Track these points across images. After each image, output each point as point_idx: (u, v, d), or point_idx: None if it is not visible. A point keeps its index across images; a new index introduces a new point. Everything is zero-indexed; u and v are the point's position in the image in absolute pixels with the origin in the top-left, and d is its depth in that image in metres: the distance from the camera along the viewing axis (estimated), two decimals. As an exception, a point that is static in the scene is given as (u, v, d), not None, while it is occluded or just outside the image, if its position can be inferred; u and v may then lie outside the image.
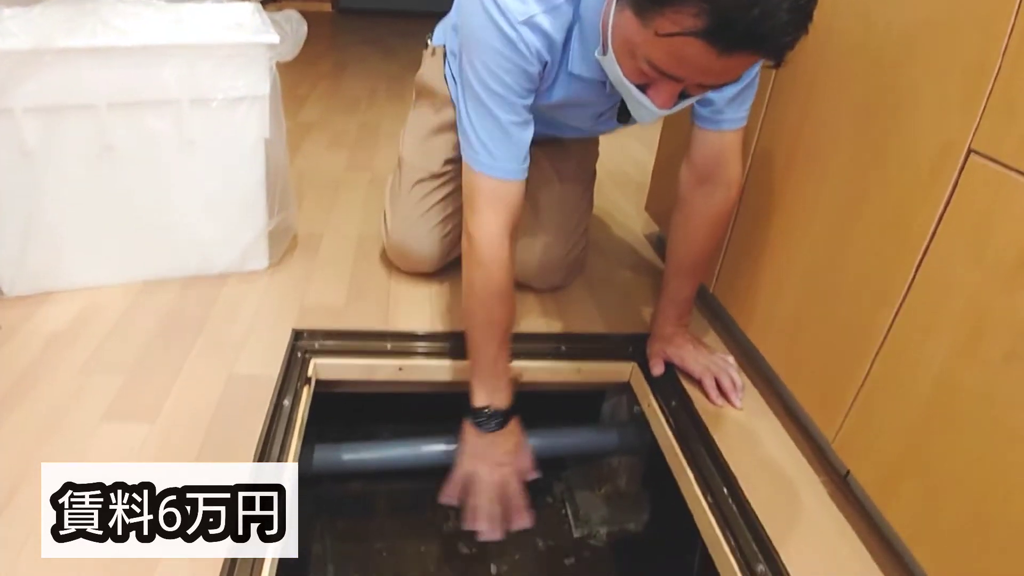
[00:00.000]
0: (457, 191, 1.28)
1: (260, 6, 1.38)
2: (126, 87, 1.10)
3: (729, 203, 1.04)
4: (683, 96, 0.78)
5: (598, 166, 1.39)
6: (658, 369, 1.12)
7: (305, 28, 1.23)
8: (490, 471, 1.01)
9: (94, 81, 1.08)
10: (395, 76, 3.03)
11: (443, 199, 1.27)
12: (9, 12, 1.18)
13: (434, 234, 1.28)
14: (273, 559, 0.79)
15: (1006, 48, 0.65)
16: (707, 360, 1.10)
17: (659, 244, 1.59)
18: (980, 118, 0.68)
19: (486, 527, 0.99)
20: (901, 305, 0.78)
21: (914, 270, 0.76)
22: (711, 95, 0.94)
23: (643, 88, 0.77)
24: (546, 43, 0.87)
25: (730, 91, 0.93)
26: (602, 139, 1.37)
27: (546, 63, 0.89)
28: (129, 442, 0.90)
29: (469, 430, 1.03)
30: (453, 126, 1.21)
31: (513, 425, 1.03)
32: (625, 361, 1.17)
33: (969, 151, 0.69)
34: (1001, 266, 0.65)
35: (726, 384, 1.07)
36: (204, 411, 0.97)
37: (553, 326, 1.24)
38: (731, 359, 1.11)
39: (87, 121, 1.10)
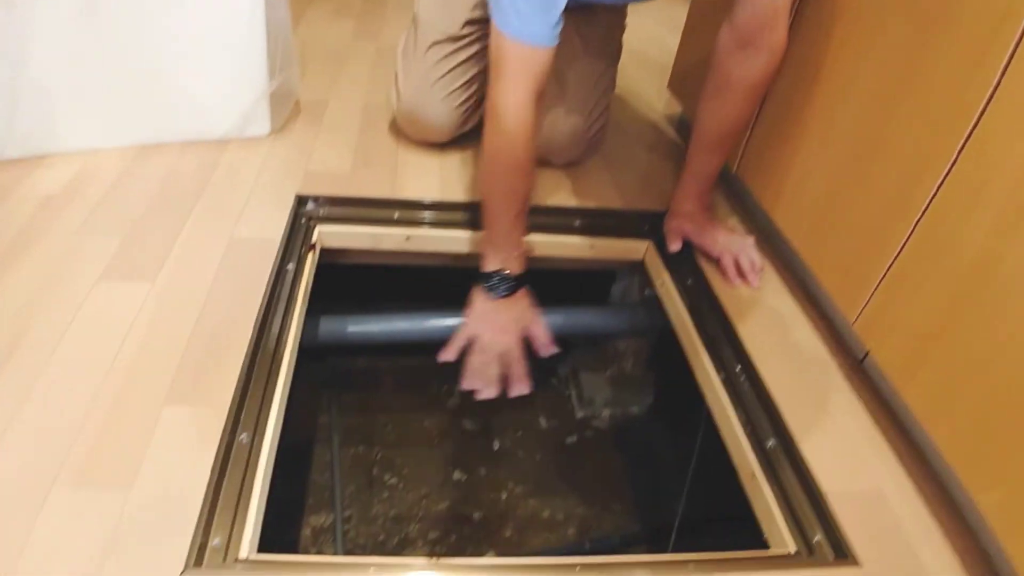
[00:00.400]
0: (477, 56, 1.21)
1: None
2: None
3: (770, 70, 0.96)
4: None
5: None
6: (675, 245, 1.08)
7: None
8: (493, 334, 0.98)
9: None
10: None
11: (461, 64, 1.19)
12: None
13: (449, 102, 1.20)
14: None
15: None
16: (727, 239, 1.06)
17: (680, 125, 1.52)
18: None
19: (481, 386, 0.97)
20: (946, 177, 0.73)
21: (963, 140, 0.70)
22: None
23: None
24: None
25: None
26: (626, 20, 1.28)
27: None
28: (128, 301, 0.88)
29: (478, 294, 1.00)
30: None
31: (523, 294, 1.01)
32: (640, 239, 1.13)
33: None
34: None
35: (745, 264, 1.03)
36: (205, 272, 0.94)
37: (568, 201, 1.19)
38: (751, 239, 1.07)
39: None
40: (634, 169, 1.32)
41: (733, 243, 1.05)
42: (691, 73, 1.36)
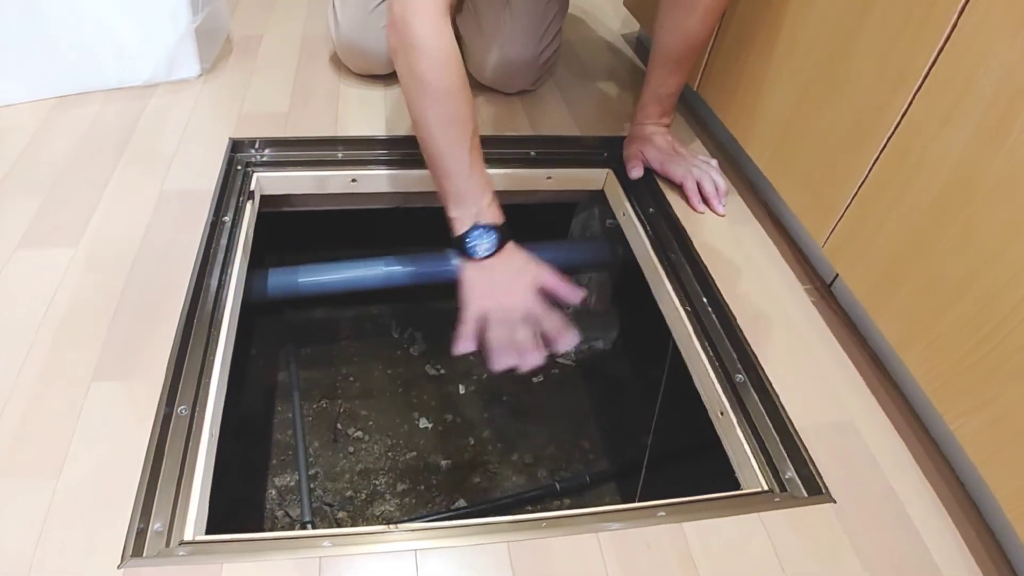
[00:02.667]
0: None
1: None
2: None
3: None
4: None
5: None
6: (636, 172, 1.02)
7: None
8: (502, 301, 0.79)
9: None
10: None
11: None
12: None
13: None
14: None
15: None
16: (689, 163, 1.00)
17: (638, 45, 1.44)
18: None
19: (516, 359, 0.77)
20: (920, 86, 0.68)
21: (941, 43, 0.66)
22: None
23: None
24: None
25: None
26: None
27: None
28: (49, 269, 0.81)
29: (464, 265, 0.81)
30: None
31: (512, 247, 0.82)
32: (599, 168, 1.07)
33: None
34: None
35: (708, 189, 0.98)
36: (133, 232, 0.87)
37: (521, 130, 1.12)
38: (715, 162, 1.02)
39: None
40: (590, 94, 1.25)
41: (696, 167, 1.00)
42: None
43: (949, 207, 0.66)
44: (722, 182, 1.00)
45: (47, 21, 1.05)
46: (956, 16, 0.64)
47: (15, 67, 1.07)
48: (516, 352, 0.77)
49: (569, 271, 1.28)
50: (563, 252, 1.18)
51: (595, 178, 1.08)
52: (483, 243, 0.79)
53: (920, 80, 0.68)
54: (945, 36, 0.65)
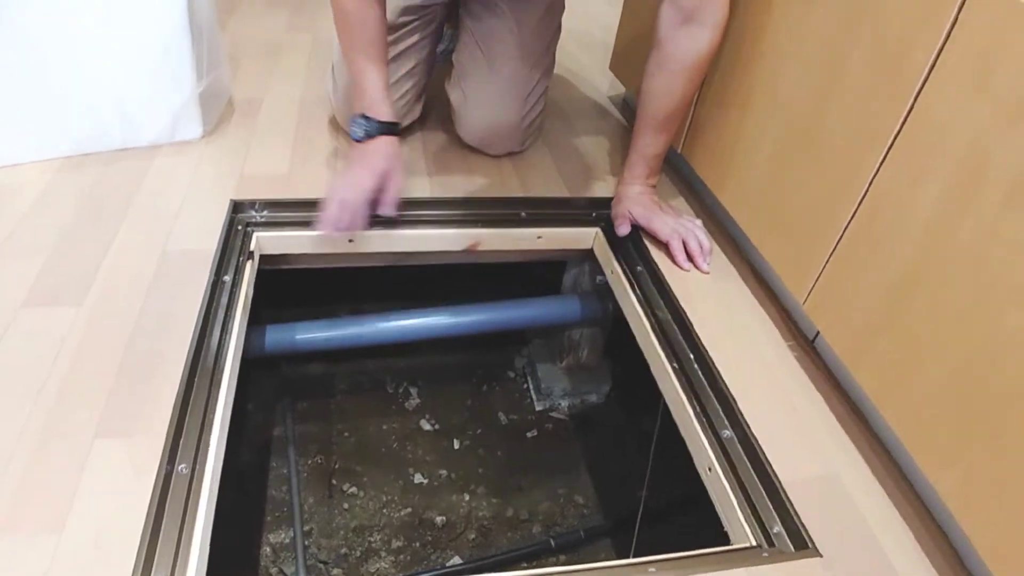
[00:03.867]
0: (416, 46, 1.19)
1: None
2: None
3: (713, 47, 0.95)
4: None
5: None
6: (624, 229, 1.06)
7: None
8: (346, 178, 1.01)
9: None
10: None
11: (399, 55, 1.16)
12: None
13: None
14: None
15: None
16: (675, 222, 1.04)
17: (624, 106, 1.50)
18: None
19: (331, 227, 0.98)
20: (890, 149, 0.72)
21: (908, 109, 0.70)
22: None
23: None
24: None
25: None
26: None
27: None
28: (53, 328, 0.83)
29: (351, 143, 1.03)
30: None
31: (385, 141, 1.01)
32: (588, 227, 1.11)
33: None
34: (1004, 103, 0.59)
35: (693, 247, 1.02)
36: (135, 291, 0.89)
37: (513, 191, 1.16)
38: (699, 222, 1.06)
39: None
40: (578, 155, 1.30)
41: (681, 226, 1.04)
42: (633, 52, 1.34)
43: (920, 268, 0.69)
44: (706, 241, 1.03)
45: (56, 84, 1.09)
46: (922, 81, 0.68)
47: (24, 127, 1.11)
48: (332, 222, 0.97)
49: (562, 326, 1.33)
50: (555, 307, 1.21)
51: (584, 237, 1.11)
52: (358, 131, 1.00)
53: (889, 142, 0.72)
54: (912, 99, 0.69)
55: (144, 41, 1.11)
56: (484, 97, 1.17)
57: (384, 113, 1.01)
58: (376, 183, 0.99)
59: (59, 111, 1.11)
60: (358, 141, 1.01)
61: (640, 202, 1.06)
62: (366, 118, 1.00)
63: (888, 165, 0.73)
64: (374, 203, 1.00)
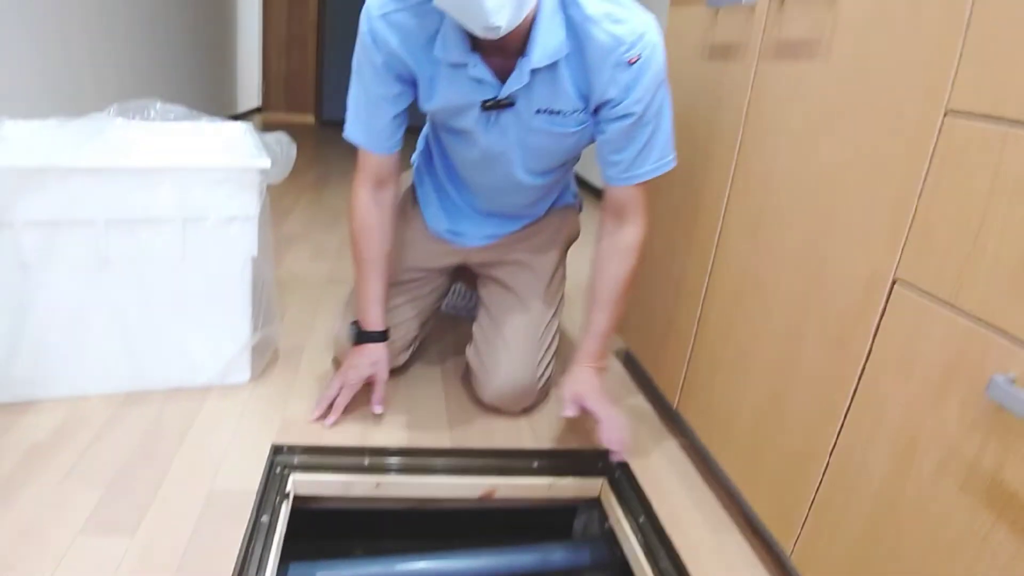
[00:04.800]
0: (413, 302, 1.40)
1: (251, 126, 1.49)
2: (125, 205, 1.17)
3: (638, 237, 1.20)
4: None
5: (569, 282, 1.47)
6: (571, 412, 1.19)
7: (295, 151, 1.33)
8: (343, 370, 1.29)
9: (95, 198, 1.15)
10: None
11: (397, 306, 1.39)
12: (19, 130, 1.26)
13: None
14: None
15: (922, 189, 0.74)
16: (613, 413, 1.19)
17: (627, 359, 1.66)
18: (902, 250, 0.76)
19: (320, 411, 1.27)
20: (844, 420, 0.85)
21: (854, 387, 0.83)
22: (615, 156, 1.14)
23: None
24: (400, 36, 1.08)
25: (630, 152, 1.12)
26: (576, 257, 1.46)
27: (406, 59, 1.11)
28: (107, 557, 0.91)
29: None
30: (416, 235, 1.40)
31: (371, 348, 1.29)
32: (596, 477, 1.21)
33: (894, 280, 0.78)
34: (928, 384, 0.72)
35: (616, 438, 1.17)
36: (183, 527, 0.98)
37: (524, 441, 1.28)
38: (626, 420, 1.24)
39: (85, 235, 1.17)
40: (585, 406, 1.43)
41: (616, 419, 1.19)
42: (634, 313, 1.52)
43: (881, 523, 0.78)
44: (627, 438, 1.20)
45: (130, 328, 1.26)
46: (862, 366, 0.82)
47: (97, 364, 1.27)
48: (322, 406, 1.28)
49: (573, 571, 1.37)
50: (566, 553, 1.27)
51: (592, 486, 1.21)
52: (351, 335, 1.30)
53: (843, 413, 0.85)
54: (856, 381, 0.83)
55: (212, 297, 1.29)
56: (499, 366, 1.32)
57: (371, 323, 1.29)
58: (362, 381, 1.28)
59: (129, 352, 1.28)
60: (352, 344, 1.29)
61: (590, 384, 1.21)
62: (355, 324, 1.29)
63: (844, 435, 0.85)
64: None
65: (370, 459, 1.17)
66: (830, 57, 0.90)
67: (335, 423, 1.26)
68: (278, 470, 1.13)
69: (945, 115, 0.71)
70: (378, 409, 1.28)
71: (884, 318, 0.79)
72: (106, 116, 1.32)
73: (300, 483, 1.13)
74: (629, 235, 1.20)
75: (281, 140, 1.32)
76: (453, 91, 1.11)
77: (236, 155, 1.29)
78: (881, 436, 0.79)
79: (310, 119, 6.24)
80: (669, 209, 1.36)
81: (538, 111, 1.12)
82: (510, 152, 1.20)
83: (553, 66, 1.07)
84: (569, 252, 1.48)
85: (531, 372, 1.33)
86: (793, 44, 0.98)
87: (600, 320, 1.22)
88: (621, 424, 1.18)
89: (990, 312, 0.65)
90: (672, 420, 1.39)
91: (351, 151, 1.23)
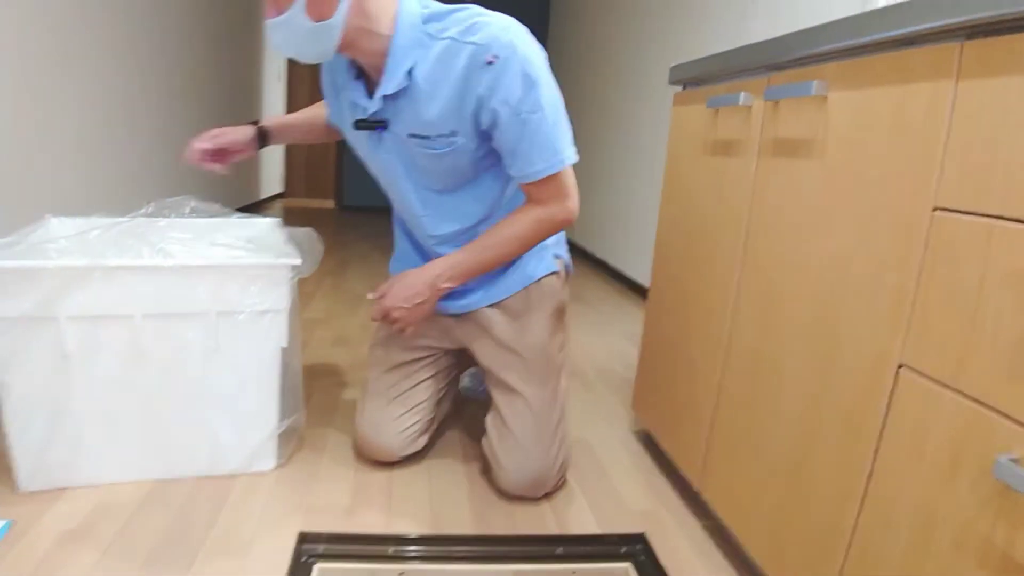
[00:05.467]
0: (423, 384, 1.46)
1: (279, 222, 1.57)
2: (162, 300, 1.24)
3: (553, 213, 1.26)
4: None
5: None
6: (375, 314, 1.36)
7: (322, 247, 1.41)
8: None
9: (135, 295, 1.22)
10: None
11: (407, 391, 1.44)
12: (64, 227, 1.35)
13: (395, 425, 1.42)
14: None
15: (919, 278, 0.78)
16: (396, 301, 1.32)
17: (646, 441, 1.67)
18: (905, 336, 0.80)
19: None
20: (863, 500, 0.86)
21: (870, 468, 0.85)
22: (507, 157, 1.21)
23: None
24: (326, 66, 1.34)
25: (519, 151, 1.19)
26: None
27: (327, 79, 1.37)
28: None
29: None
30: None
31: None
32: (619, 562, 1.21)
33: (900, 364, 0.81)
34: (939, 464, 0.74)
35: (376, 309, 1.34)
36: (211, 619, 1.00)
37: (548, 527, 1.29)
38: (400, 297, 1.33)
39: (123, 329, 1.23)
40: (607, 490, 1.44)
41: (391, 297, 1.32)
42: (653, 392, 1.54)
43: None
44: (392, 309, 1.31)
45: (163, 416, 1.30)
46: (875, 448, 0.84)
47: (129, 452, 1.30)
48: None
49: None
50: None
51: (617, 571, 1.21)
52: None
53: (862, 495, 0.86)
54: (871, 463, 0.84)
55: (242, 386, 1.34)
56: (514, 464, 1.34)
57: (265, 120, 1.50)
58: (221, 134, 1.42)
59: (159, 440, 1.32)
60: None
61: (410, 279, 1.30)
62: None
63: (864, 517, 0.86)
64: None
65: (394, 548, 1.19)
66: (824, 155, 0.96)
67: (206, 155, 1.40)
68: (304, 559, 1.14)
69: (934, 211, 0.76)
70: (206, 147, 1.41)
71: (893, 400, 0.82)
72: (145, 215, 1.41)
73: (326, 571, 1.14)
74: (544, 209, 1.26)
75: (310, 236, 1.40)
76: (341, 111, 1.34)
77: (268, 253, 1.36)
78: (899, 515, 0.80)
79: (330, 204, 6.43)
80: (682, 292, 1.41)
81: (410, 135, 1.23)
82: (398, 168, 1.30)
83: (409, 91, 1.18)
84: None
85: (546, 464, 1.34)
86: (790, 143, 1.04)
87: (474, 254, 1.29)
88: (391, 304, 1.28)
89: (991, 395, 0.69)
90: (694, 501, 1.40)
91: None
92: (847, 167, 0.91)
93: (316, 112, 1.51)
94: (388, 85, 1.17)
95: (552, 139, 1.18)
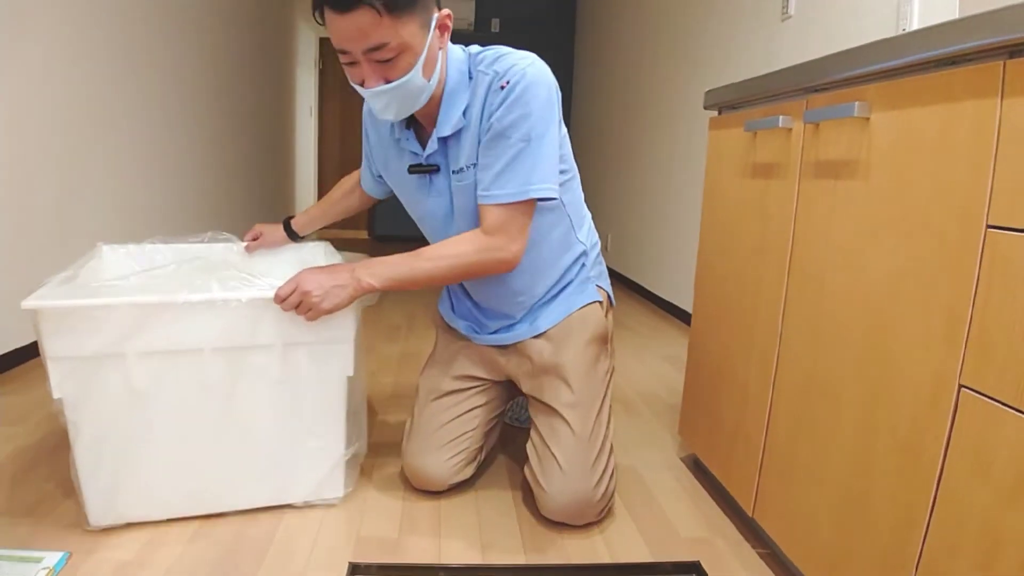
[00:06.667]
0: (472, 413, 1.46)
1: (330, 245, 1.65)
2: (231, 334, 1.23)
3: (495, 251, 1.25)
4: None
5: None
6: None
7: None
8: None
9: (204, 329, 1.22)
10: (430, 303, 3.27)
11: (456, 417, 1.45)
12: (116, 254, 1.39)
13: (442, 454, 1.43)
14: None
15: (975, 298, 0.77)
16: (302, 286, 1.24)
17: (694, 466, 1.66)
18: (963, 355, 0.79)
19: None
20: (928, 526, 0.84)
21: (933, 493, 0.83)
22: (481, 172, 1.23)
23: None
24: (370, 119, 1.46)
25: (493, 169, 1.22)
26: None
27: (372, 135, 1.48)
28: None
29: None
30: (462, 343, 1.50)
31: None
32: (672, 590, 1.20)
33: (960, 385, 0.79)
34: (1004, 486, 0.73)
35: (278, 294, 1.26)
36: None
37: (599, 555, 1.28)
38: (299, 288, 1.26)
39: (192, 363, 1.23)
40: (657, 517, 1.42)
41: (292, 283, 1.24)
42: (698, 416, 1.53)
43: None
44: (289, 296, 1.24)
45: (230, 449, 1.31)
46: (939, 471, 0.82)
47: (197, 485, 1.31)
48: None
49: None
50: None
51: (670, 602, 1.20)
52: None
53: (926, 520, 0.84)
54: (935, 486, 0.83)
55: (309, 416, 1.34)
56: (557, 490, 1.32)
57: (296, 221, 1.68)
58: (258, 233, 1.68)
59: (228, 474, 1.33)
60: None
61: (335, 267, 1.28)
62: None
63: (929, 542, 0.84)
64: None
65: (445, 577, 1.19)
66: (869, 176, 0.95)
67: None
68: (356, 591, 1.15)
69: (987, 229, 0.75)
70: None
71: (955, 423, 0.80)
72: (202, 242, 1.47)
73: (378, 605, 1.15)
74: (491, 240, 1.24)
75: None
76: (387, 160, 1.42)
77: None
78: (965, 540, 0.79)
79: (363, 235, 6.53)
80: (728, 314, 1.40)
81: (454, 171, 1.29)
82: (446, 210, 1.34)
83: (462, 130, 1.25)
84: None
85: (587, 489, 1.32)
86: (832, 164, 1.04)
87: (406, 261, 1.27)
88: (307, 284, 1.22)
89: (1056, 415, 0.67)
90: (748, 528, 1.38)
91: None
92: (893, 187, 0.91)
93: (342, 195, 1.69)
94: (444, 127, 1.25)
95: (532, 171, 1.21)
